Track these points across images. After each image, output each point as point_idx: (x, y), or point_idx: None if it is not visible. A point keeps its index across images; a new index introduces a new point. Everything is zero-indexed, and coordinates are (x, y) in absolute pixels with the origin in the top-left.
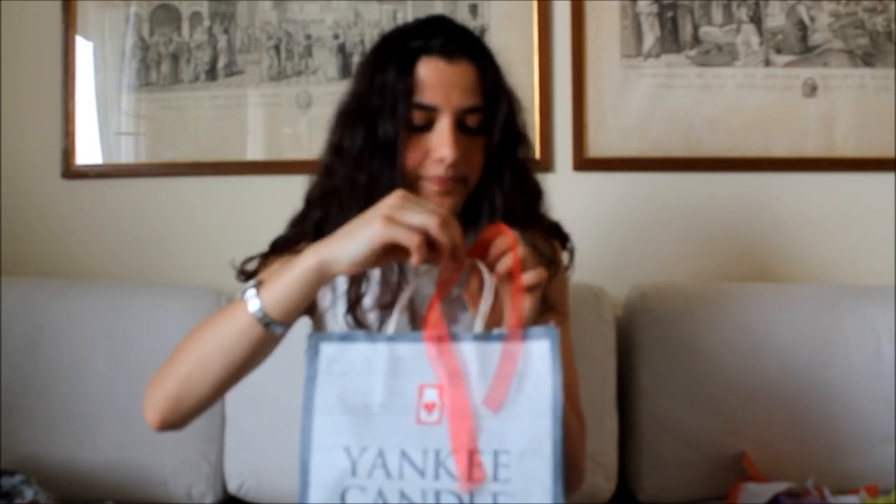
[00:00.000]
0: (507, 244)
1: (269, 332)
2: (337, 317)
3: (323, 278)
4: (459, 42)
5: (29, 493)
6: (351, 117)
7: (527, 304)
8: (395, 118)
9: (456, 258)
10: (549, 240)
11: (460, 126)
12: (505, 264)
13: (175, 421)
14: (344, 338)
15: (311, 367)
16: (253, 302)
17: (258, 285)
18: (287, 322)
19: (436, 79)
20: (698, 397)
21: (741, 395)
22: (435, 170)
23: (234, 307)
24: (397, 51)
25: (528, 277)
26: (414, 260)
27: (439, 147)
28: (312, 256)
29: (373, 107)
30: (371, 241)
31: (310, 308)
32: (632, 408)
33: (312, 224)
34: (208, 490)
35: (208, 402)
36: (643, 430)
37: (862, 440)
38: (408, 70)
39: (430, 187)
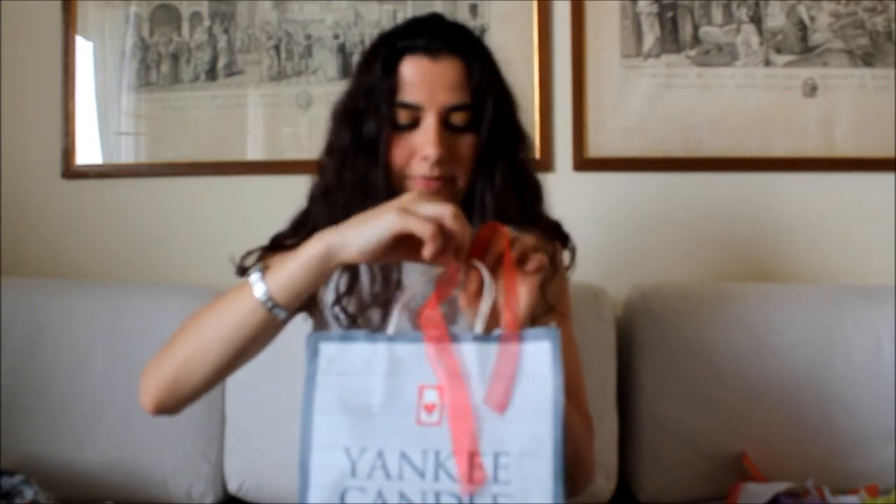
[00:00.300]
0: (504, 242)
1: (273, 317)
2: (327, 309)
3: (329, 264)
4: (445, 39)
5: (29, 493)
6: (341, 117)
7: (524, 301)
8: (379, 117)
9: (461, 255)
10: (549, 240)
11: (446, 124)
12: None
13: (170, 406)
14: (344, 337)
15: (311, 367)
16: (258, 286)
17: (263, 270)
18: (291, 307)
19: (419, 77)
20: (698, 397)
21: (741, 395)
22: (420, 168)
23: (236, 291)
24: (384, 50)
25: (532, 262)
26: (427, 251)
27: (423, 145)
28: (320, 242)
29: (359, 106)
30: (383, 230)
31: (309, 303)
32: (632, 408)
33: (309, 221)
34: (208, 490)
35: (205, 388)
36: (643, 430)
37: (862, 440)
38: (391, 69)
39: (416, 187)
